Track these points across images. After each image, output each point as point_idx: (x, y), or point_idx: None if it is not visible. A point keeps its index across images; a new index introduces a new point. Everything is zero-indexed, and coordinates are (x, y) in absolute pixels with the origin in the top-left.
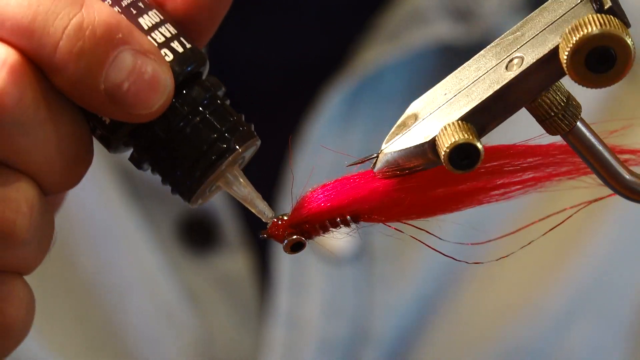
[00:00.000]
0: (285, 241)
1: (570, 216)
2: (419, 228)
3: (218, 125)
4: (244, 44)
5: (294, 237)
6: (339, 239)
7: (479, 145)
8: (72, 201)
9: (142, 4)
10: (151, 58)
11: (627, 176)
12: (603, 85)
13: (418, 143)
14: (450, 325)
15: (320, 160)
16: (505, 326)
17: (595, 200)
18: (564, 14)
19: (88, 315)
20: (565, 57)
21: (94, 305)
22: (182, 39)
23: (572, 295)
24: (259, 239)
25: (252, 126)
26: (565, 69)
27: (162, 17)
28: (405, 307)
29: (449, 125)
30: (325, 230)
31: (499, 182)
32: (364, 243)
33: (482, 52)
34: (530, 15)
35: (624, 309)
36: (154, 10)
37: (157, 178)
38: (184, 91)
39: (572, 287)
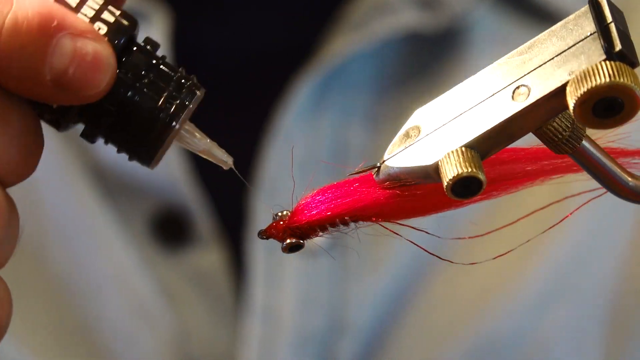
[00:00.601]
0: (285, 243)
1: (573, 211)
2: (408, 226)
3: (164, 86)
4: (209, 36)
5: (294, 240)
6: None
7: (482, 177)
8: (44, 200)
9: None
10: (89, 37)
11: (630, 182)
12: (608, 128)
13: (421, 165)
14: (426, 313)
15: (290, 152)
16: (480, 313)
17: (597, 197)
18: (573, 45)
19: (62, 313)
20: (572, 104)
21: (69, 303)
22: (109, 7)
23: (547, 281)
24: (233, 233)
25: (195, 78)
26: (571, 113)
27: None
28: (381, 297)
29: (453, 152)
30: (324, 231)
31: (496, 184)
32: (337, 233)
33: (488, 68)
34: (538, 37)
35: (598, 293)
36: None
37: (129, 175)
38: (124, 59)
39: (546, 273)
